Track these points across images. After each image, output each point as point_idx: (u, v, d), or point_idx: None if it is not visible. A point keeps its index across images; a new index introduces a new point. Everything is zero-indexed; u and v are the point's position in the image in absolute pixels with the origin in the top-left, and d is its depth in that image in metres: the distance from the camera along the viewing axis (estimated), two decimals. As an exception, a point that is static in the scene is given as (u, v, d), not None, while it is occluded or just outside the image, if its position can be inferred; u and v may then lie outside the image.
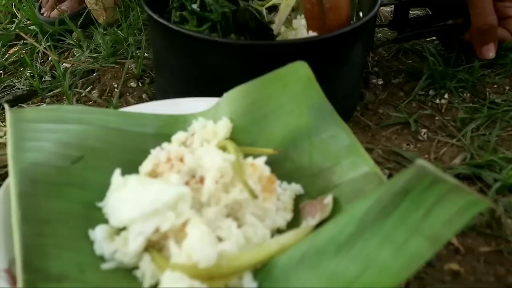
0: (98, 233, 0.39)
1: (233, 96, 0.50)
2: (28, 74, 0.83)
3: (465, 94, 0.76)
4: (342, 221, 0.37)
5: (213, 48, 0.59)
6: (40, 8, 0.98)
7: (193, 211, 0.40)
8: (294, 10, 0.71)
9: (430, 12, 0.85)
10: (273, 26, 0.69)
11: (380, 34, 0.92)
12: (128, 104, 0.74)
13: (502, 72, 0.80)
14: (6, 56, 0.89)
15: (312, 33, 0.67)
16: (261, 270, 0.38)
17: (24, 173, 0.42)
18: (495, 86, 0.78)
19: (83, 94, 0.77)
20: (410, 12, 0.78)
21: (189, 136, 0.47)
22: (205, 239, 0.37)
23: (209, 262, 0.36)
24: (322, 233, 0.37)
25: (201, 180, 0.42)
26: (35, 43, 0.89)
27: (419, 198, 0.34)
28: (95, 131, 0.48)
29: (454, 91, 0.75)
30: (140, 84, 0.79)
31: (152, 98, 0.76)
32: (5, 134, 0.62)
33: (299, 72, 0.49)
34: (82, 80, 0.81)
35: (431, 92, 0.76)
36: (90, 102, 0.76)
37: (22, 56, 0.87)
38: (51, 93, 0.78)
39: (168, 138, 0.48)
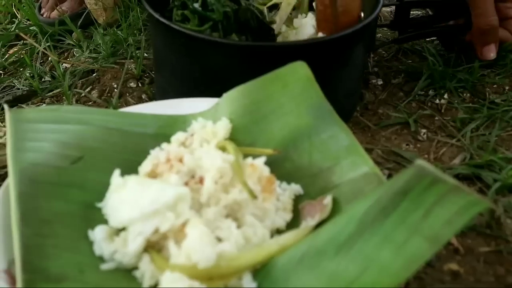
0: (98, 234, 0.39)
1: (233, 96, 0.50)
2: (28, 74, 0.83)
3: (464, 94, 0.76)
4: (342, 222, 0.37)
5: (214, 48, 0.59)
6: (40, 8, 0.98)
7: (193, 211, 0.40)
8: (295, 8, 0.71)
9: (430, 13, 0.85)
10: (274, 26, 0.69)
11: (379, 34, 0.92)
12: (127, 104, 0.74)
13: (502, 72, 0.80)
14: (6, 56, 0.89)
15: (312, 33, 0.67)
16: (260, 271, 0.38)
17: (23, 173, 0.42)
18: (494, 86, 0.78)
19: (83, 94, 0.77)
20: (410, 12, 0.78)
21: (189, 137, 0.47)
22: (205, 240, 0.37)
23: (209, 262, 0.36)
24: (322, 234, 0.37)
25: (201, 181, 0.42)
26: (35, 44, 0.89)
27: (419, 198, 0.34)
28: (94, 132, 0.48)
29: (454, 91, 0.75)
30: (139, 85, 0.79)
31: (151, 98, 0.76)
32: (4, 135, 0.62)
33: (298, 72, 0.49)
34: (82, 80, 0.81)
35: (431, 92, 0.76)
36: (90, 103, 0.76)
37: (22, 56, 0.87)
38: (50, 93, 0.78)
39: (167, 139, 0.48)
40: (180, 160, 0.43)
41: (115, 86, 0.78)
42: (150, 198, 0.39)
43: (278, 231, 0.43)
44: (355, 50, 0.64)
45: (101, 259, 0.39)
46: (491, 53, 0.77)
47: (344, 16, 0.61)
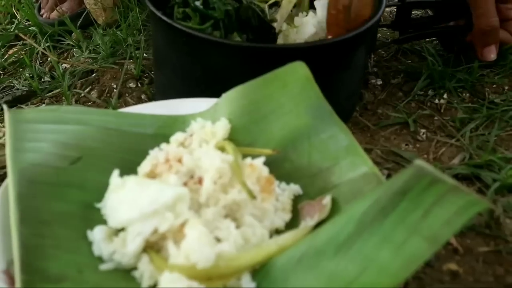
0: (97, 234, 0.39)
1: (232, 96, 0.50)
2: (27, 74, 0.83)
3: (464, 94, 0.76)
4: (341, 222, 0.37)
5: (216, 48, 0.59)
6: (39, 9, 0.98)
7: (192, 212, 0.40)
8: (296, 6, 0.71)
9: (430, 13, 0.85)
10: (275, 24, 0.68)
11: (379, 34, 0.92)
12: (127, 104, 0.74)
13: (501, 72, 0.80)
14: (6, 56, 0.89)
15: (313, 32, 0.67)
16: (259, 271, 0.38)
17: (22, 173, 0.42)
18: (494, 86, 0.78)
19: (82, 94, 0.77)
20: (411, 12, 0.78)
21: (188, 137, 0.47)
22: (203, 240, 0.37)
23: (207, 262, 0.36)
24: (321, 234, 0.38)
25: (200, 181, 0.42)
26: (34, 44, 0.89)
27: (418, 198, 0.34)
28: (94, 132, 0.48)
29: (453, 91, 0.75)
30: (139, 85, 0.79)
31: (151, 98, 0.76)
32: (4, 135, 0.62)
33: (297, 72, 0.49)
34: (81, 80, 0.81)
35: (430, 92, 0.76)
36: (89, 103, 0.76)
37: (21, 56, 0.87)
38: (50, 93, 0.78)
39: (167, 139, 0.48)
40: (179, 161, 0.43)
41: (115, 86, 0.78)
42: (149, 198, 0.39)
43: (277, 231, 0.43)
44: (358, 52, 0.64)
45: (100, 260, 0.39)
46: (491, 54, 0.77)
47: (356, 21, 0.60)
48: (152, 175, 0.43)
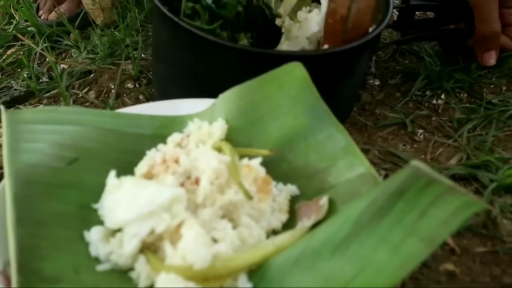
0: (94, 235, 0.39)
1: (229, 97, 0.50)
2: (25, 75, 0.83)
3: (461, 95, 0.76)
4: (338, 222, 0.37)
5: (220, 50, 0.58)
6: (37, 10, 0.98)
7: (188, 212, 0.40)
8: None
9: (430, 16, 0.85)
10: (278, 20, 0.68)
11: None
12: (125, 105, 0.74)
13: (499, 72, 0.80)
14: (4, 57, 0.89)
15: (316, 30, 0.66)
16: (256, 271, 0.38)
17: (19, 174, 0.42)
18: (491, 86, 0.78)
19: (80, 95, 0.77)
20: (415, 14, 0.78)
21: (185, 137, 0.47)
22: (200, 241, 0.37)
23: (204, 263, 0.36)
24: (318, 234, 0.38)
25: (196, 182, 0.42)
26: (32, 44, 0.89)
27: (415, 199, 0.34)
28: (91, 133, 0.48)
29: (451, 92, 0.75)
30: (137, 85, 0.79)
31: (149, 99, 0.76)
32: (0, 136, 0.62)
33: (294, 73, 0.49)
34: (79, 81, 0.80)
35: (428, 93, 0.76)
36: (87, 103, 0.76)
37: (19, 57, 0.87)
38: (48, 94, 0.78)
39: (164, 139, 0.47)
40: (176, 161, 0.43)
41: (112, 87, 0.78)
42: (146, 199, 0.39)
43: (274, 232, 0.43)
44: (361, 59, 0.63)
45: (97, 260, 0.39)
46: (491, 59, 0.77)
47: (353, 31, 0.60)
48: (149, 175, 0.43)
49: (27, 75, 0.83)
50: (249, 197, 0.41)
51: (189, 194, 0.41)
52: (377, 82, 0.79)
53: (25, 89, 0.79)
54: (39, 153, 0.44)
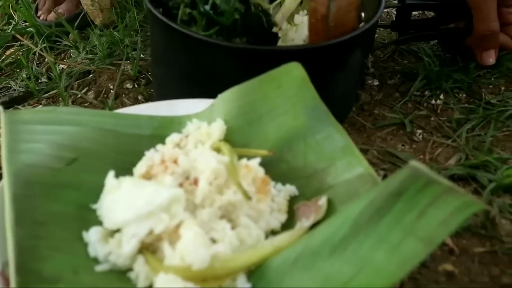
0: (92, 235, 0.39)
1: (227, 97, 0.50)
2: (24, 75, 0.83)
3: (460, 95, 0.76)
4: (337, 222, 0.37)
5: (212, 49, 0.58)
6: (36, 10, 0.98)
7: (187, 213, 0.40)
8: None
9: (428, 15, 0.85)
10: (275, 29, 0.68)
11: (376, 35, 0.92)
12: (123, 105, 0.74)
13: (497, 72, 0.80)
14: (3, 57, 0.89)
15: None
16: (255, 272, 0.38)
17: (18, 174, 0.42)
18: (490, 86, 0.78)
19: (79, 95, 0.77)
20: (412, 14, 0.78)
21: (183, 138, 0.47)
22: (199, 241, 0.37)
23: (203, 264, 0.36)
24: (317, 235, 0.38)
25: (195, 182, 0.42)
26: (31, 45, 0.89)
27: (413, 199, 0.34)
28: (90, 133, 0.48)
29: (450, 92, 0.76)
30: (136, 86, 0.79)
31: (147, 99, 0.76)
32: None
33: (293, 73, 0.49)
34: (78, 81, 0.80)
35: (427, 93, 0.76)
36: (86, 104, 0.76)
37: (18, 57, 0.87)
38: (47, 94, 0.78)
39: (163, 140, 0.47)
40: (175, 162, 0.43)
41: (111, 87, 0.78)
42: (145, 199, 0.39)
43: (273, 232, 0.43)
44: (353, 54, 0.63)
45: (95, 261, 0.39)
46: (490, 58, 0.77)
47: (336, 30, 0.60)
48: (147, 176, 0.43)
49: (26, 75, 0.83)
50: (247, 197, 0.41)
51: (187, 195, 0.41)
52: (376, 82, 0.79)
53: (24, 90, 0.79)
54: (38, 153, 0.44)
